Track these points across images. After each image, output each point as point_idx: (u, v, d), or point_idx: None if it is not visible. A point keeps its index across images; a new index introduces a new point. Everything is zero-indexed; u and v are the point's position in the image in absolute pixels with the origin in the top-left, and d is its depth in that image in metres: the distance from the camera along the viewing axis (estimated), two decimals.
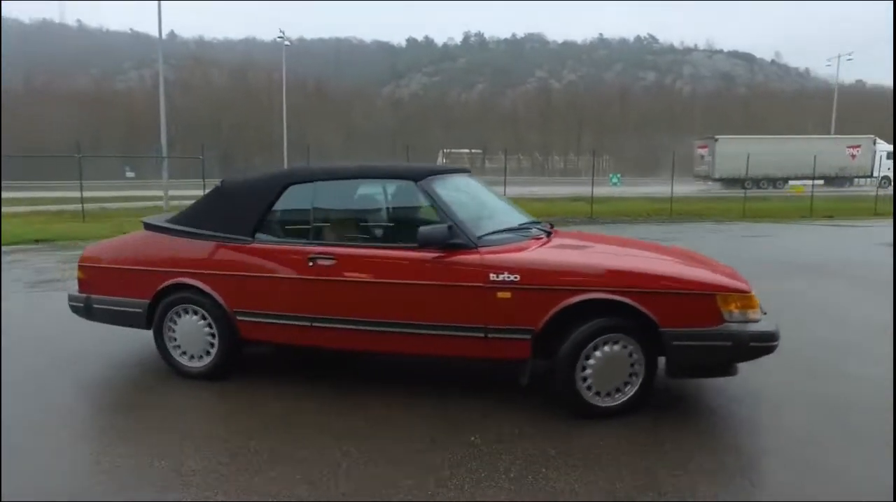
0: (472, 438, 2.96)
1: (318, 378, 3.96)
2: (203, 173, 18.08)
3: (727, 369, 3.26)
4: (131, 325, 3.98)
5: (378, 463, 2.70)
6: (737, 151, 29.15)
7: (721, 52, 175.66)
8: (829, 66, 72.46)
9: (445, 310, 3.32)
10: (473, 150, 79.56)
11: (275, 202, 3.70)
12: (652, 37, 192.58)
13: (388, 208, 4.00)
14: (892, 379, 3.76)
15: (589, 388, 3.20)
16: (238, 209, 3.72)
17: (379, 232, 3.86)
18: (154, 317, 3.83)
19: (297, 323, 3.56)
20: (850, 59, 57.00)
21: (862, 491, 2.53)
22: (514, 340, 3.25)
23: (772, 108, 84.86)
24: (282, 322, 3.59)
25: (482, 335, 3.28)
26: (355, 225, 3.91)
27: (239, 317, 3.65)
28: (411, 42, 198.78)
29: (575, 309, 3.15)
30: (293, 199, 3.74)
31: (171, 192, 21.17)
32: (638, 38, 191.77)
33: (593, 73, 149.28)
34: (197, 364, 3.81)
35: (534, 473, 2.58)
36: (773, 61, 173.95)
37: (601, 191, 21.71)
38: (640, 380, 3.26)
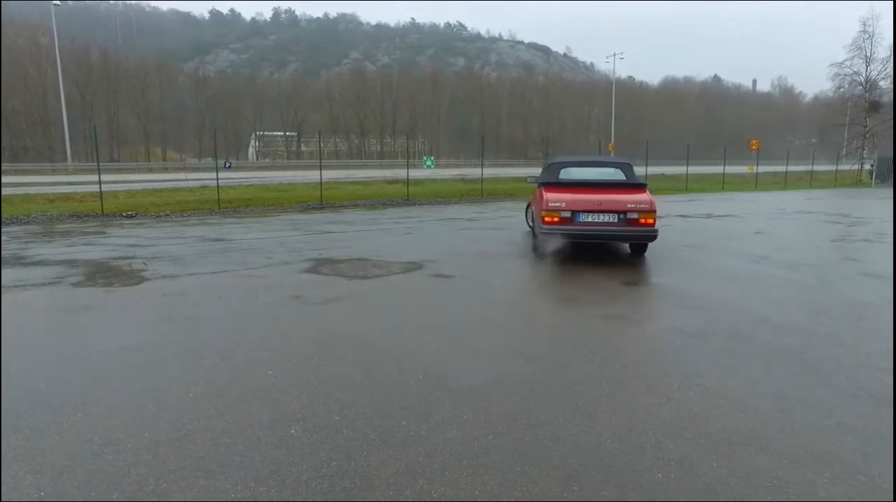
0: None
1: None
2: None
3: None
4: None
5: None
6: None
7: (522, 43, 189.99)
8: (607, 62, 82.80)
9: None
10: (288, 133, 76.49)
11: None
12: (461, 24, 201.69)
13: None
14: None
15: None
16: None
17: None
18: None
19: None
20: (622, 58, 65.45)
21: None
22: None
23: (566, 96, 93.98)
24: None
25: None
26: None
27: None
28: (215, 15, 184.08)
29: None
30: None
31: None
32: (448, 25, 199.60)
33: (407, 56, 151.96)
34: None
35: None
36: (565, 54, 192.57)
37: (417, 173, 22.38)
38: None
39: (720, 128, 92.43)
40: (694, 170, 29.43)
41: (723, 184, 27.38)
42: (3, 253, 8.79)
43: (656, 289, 6.26)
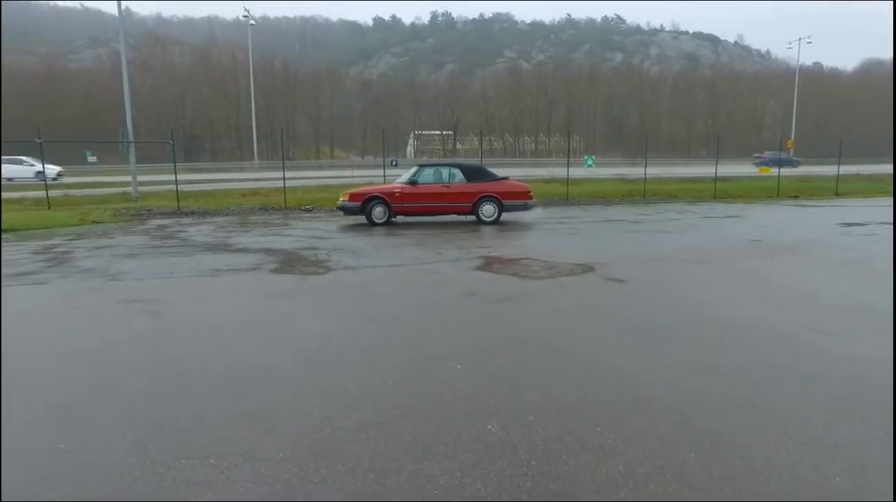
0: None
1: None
2: (174, 158, 17.60)
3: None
4: None
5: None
6: None
7: (686, 33, 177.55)
8: (790, 48, 74.44)
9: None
10: (445, 132, 79.16)
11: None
12: (619, 17, 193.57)
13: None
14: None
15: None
16: None
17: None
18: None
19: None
20: (809, 42, 58.47)
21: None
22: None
23: (736, 88, 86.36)
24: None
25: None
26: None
27: None
28: (378, 21, 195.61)
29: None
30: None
31: (140, 178, 20.60)
32: (605, 19, 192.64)
33: (562, 53, 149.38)
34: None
35: None
36: (735, 43, 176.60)
37: (573, 172, 21.94)
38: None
39: None
40: None
41: None
42: (213, 240, 10.14)
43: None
